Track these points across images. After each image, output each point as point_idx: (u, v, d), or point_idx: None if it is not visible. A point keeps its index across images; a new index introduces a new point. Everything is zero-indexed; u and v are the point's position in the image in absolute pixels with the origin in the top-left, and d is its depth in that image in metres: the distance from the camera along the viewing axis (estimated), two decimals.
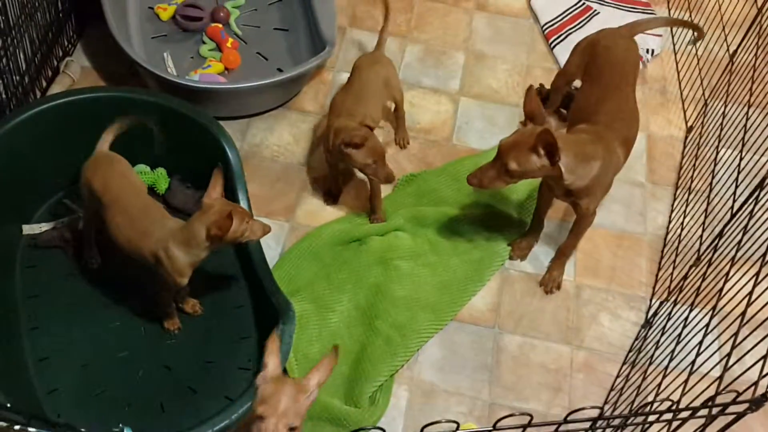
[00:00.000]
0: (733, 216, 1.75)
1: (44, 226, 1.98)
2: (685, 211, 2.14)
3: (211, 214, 1.63)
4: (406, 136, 2.34)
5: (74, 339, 1.83)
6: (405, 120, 2.31)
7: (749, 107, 2.02)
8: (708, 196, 2.03)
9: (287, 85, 2.30)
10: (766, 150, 1.91)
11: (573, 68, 2.19)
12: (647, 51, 2.60)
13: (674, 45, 2.66)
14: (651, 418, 1.42)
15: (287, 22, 2.52)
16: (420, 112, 2.41)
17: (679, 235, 2.09)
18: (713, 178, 2.07)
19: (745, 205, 1.71)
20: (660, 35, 2.65)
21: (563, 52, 2.55)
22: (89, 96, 1.96)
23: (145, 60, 2.12)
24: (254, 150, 2.26)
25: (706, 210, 1.99)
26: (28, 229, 1.97)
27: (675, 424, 1.27)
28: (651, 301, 2.07)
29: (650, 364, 1.79)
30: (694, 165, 2.25)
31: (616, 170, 1.94)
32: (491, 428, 1.06)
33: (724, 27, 2.41)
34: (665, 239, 2.19)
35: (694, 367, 1.51)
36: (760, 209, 1.65)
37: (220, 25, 2.43)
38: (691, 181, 2.22)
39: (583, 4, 2.68)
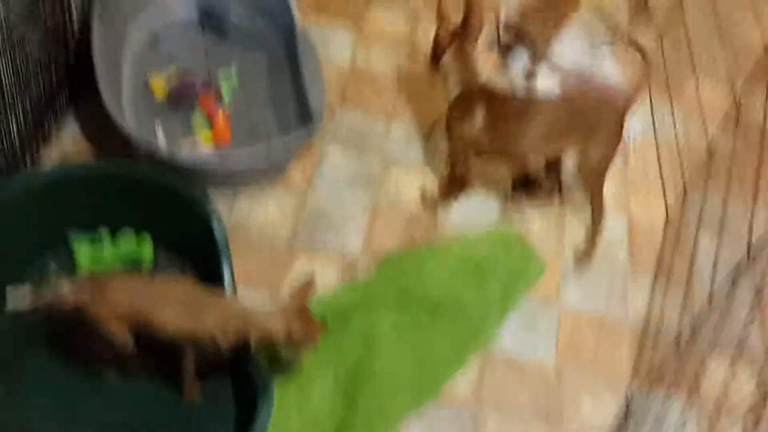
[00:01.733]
0: (710, 306, 1.78)
1: (26, 293, 1.96)
2: (664, 298, 2.17)
3: (301, 320, 1.73)
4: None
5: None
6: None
7: (727, 197, 2.07)
8: (687, 286, 2.06)
9: (275, 158, 2.34)
10: (743, 240, 1.95)
11: None
12: (627, 137, 2.66)
13: (655, 131, 2.73)
14: None
15: (277, 95, 2.57)
16: (406, 189, 2.44)
17: (659, 322, 2.12)
18: (692, 266, 2.10)
19: (723, 296, 1.74)
20: (640, 122, 2.72)
21: None
22: (77, 169, 1.98)
23: (135, 132, 2.15)
24: (241, 223, 2.28)
25: (685, 298, 2.02)
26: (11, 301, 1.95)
27: None
28: (630, 388, 2.08)
29: None
30: (674, 252, 2.29)
31: None
32: None
33: (703, 118, 2.49)
34: (645, 326, 2.21)
35: None
36: (736, 303, 1.68)
37: (212, 98, 2.46)
38: (672, 268, 2.25)
39: None
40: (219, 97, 2.50)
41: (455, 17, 2.30)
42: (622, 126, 2.23)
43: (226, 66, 2.59)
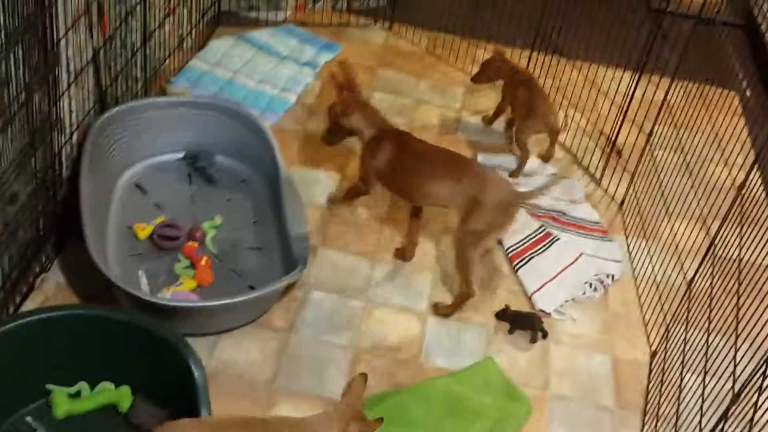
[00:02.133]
0: None
1: None
2: None
3: (356, 420, 1.79)
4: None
5: None
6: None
7: (709, 333, 2.08)
8: (675, 424, 2.02)
9: (258, 303, 2.34)
10: (728, 377, 1.93)
11: None
12: (607, 276, 2.70)
13: (633, 270, 2.77)
14: None
15: (262, 241, 2.61)
16: (388, 330, 2.44)
17: None
18: (679, 405, 2.08)
19: None
20: (619, 261, 2.77)
21: (526, 276, 2.65)
22: (60, 314, 1.98)
23: (119, 278, 2.17)
24: (221, 367, 2.25)
25: None
26: None
27: None
28: None
29: None
30: (660, 390, 2.26)
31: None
32: None
33: (680, 255, 2.54)
34: None
35: None
36: None
37: (196, 244, 2.50)
38: (659, 407, 2.22)
39: (544, 230, 2.82)
40: (203, 244, 2.53)
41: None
42: (509, 215, 2.45)
43: (211, 213, 2.65)
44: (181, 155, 2.82)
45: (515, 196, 2.47)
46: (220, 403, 2.12)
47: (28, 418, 1.99)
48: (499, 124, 3.33)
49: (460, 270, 2.49)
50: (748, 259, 1.99)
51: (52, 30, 2.10)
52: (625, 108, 3.01)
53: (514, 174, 3.05)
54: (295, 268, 2.36)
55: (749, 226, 2.07)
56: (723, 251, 2.18)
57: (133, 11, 2.67)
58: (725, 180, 2.35)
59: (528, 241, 2.77)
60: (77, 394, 2.04)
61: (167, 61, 3.13)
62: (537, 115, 3.01)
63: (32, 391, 2.00)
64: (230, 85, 3.26)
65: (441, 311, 2.52)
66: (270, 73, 3.38)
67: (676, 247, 2.58)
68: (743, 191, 2.13)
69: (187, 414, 1.89)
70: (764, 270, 1.85)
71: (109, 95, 2.64)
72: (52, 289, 2.35)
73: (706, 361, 2.03)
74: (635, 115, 3.03)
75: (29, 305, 2.27)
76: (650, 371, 2.44)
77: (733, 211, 2.16)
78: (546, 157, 3.17)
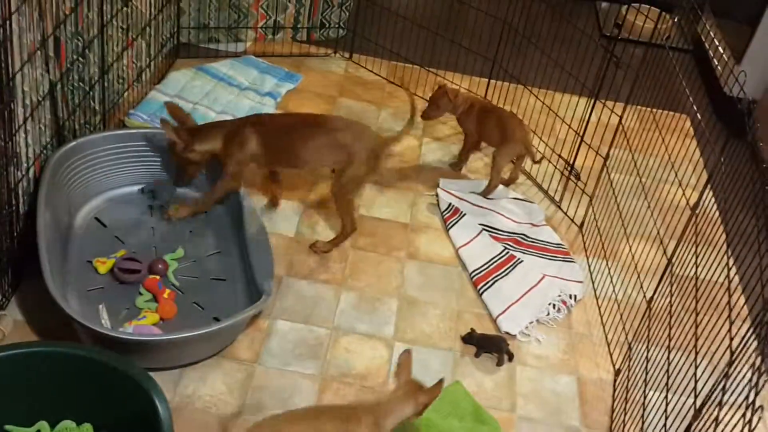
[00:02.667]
0: None
1: None
2: None
3: (420, 389, 2.00)
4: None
5: None
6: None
7: (670, 351, 2.11)
8: None
9: (222, 335, 2.32)
10: (690, 393, 1.96)
11: None
12: (570, 296, 2.74)
13: (595, 290, 2.81)
14: None
15: (225, 272, 2.60)
16: (355, 358, 2.43)
17: None
18: (644, 422, 2.10)
19: None
20: (581, 281, 2.81)
21: (491, 299, 2.67)
22: (19, 352, 1.93)
23: (79, 313, 2.13)
24: (186, 401, 2.22)
25: None
26: None
27: None
28: None
29: None
30: (625, 408, 2.29)
31: None
32: None
33: (639, 275, 2.59)
34: None
35: None
36: None
37: (158, 277, 2.48)
38: (624, 425, 2.24)
39: (507, 253, 2.85)
40: (165, 277, 2.51)
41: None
42: (379, 159, 2.70)
43: (173, 245, 2.63)
44: (140, 189, 2.81)
45: (382, 142, 2.74)
46: None
47: None
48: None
49: (343, 214, 2.74)
50: (705, 277, 2.04)
51: (7, 64, 2.08)
52: (582, 132, 3.07)
53: (483, 194, 3.09)
54: (260, 298, 2.35)
55: (704, 245, 2.12)
56: (680, 270, 2.23)
57: (90, 44, 2.66)
58: (680, 200, 2.40)
59: (492, 264, 2.80)
60: None
61: (126, 93, 3.11)
62: (516, 139, 3.02)
63: None
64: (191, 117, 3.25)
65: (321, 248, 2.75)
66: (231, 104, 3.39)
67: (636, 267, 2.63)
68: (697, 211, 2.19)
69: None
70: (720, 287, 1.90)
71: (66, 129, 2.62)
72: (9, 327, 2.31)
73: (668, 378, 2.06)
74: (592, 139, 3.09)
75: None
76: (614, 390, 2.47)
77: (688, 230, 2.21)
78: (510, 180, 3.21)
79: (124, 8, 2.89)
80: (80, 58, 2.61)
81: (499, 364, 2.47)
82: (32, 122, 2.36)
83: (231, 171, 2.65)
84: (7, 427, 1.97)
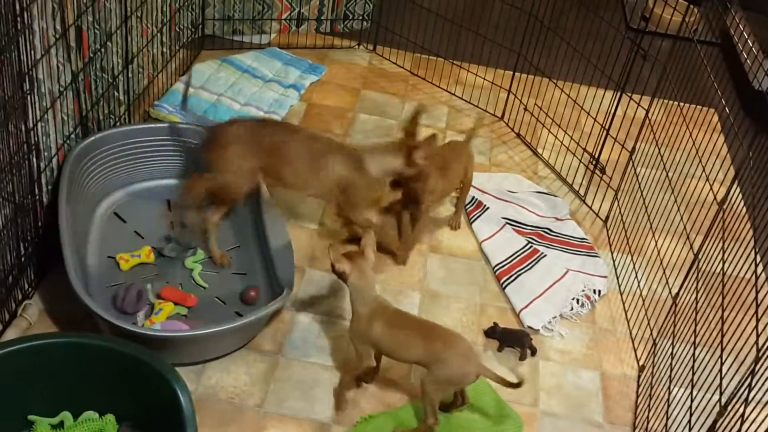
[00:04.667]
0: None
1: None
2: None
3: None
4: (459, 220, 2.92)
5: None
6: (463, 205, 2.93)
7: (695, 347, 2.09)
8: None
9: (246, 330, 2.33)
10: (715, 390, 1.94)
11: None
12: (594, 291, 2.71)
13: (620, 285, 2.78)
14: None
15: (245, 266, 2.60)
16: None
17: None
18: (668, 419, 2.08)
19: None
20: (605, 276, 2.78)
21: (514, 293, 2.65)
22: (43, 342, 1.95)
23: (101, 308, 2.14)
24: (209, 392, 2.23)
25: None
26: None
27: None
28: None
29: None
30: (649, 405, 2.26)
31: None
32: None
33: (664, 270, 2.56)
34: None
35: None
36: None
37: (175, 289, 2.46)
38: (648, 422, 2.22)
39: (531, 247, 2.83)
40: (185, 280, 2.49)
41: None
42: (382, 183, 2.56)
43: (191, 241, 2.61)
44: (160, 184, 2.80)
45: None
46: (207, 428, 2.11)
47: None
48: None
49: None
50: (731, 273, 2.01)
51: (26, 53, 2.09)
52: (607, 126, 3.03)
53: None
54: (281, 292, 2.35)
55: (731, 240, 2.08)
56: (706, 265, 2.20)
57: (113, 35, 2.67)
58: (707, 195, 2.37)
59: (515, 258, 2.78)
60: (60, 425, 2.00)
61: (151, 84, 3.13)
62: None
63: (14, 422, 1.97)
64: (215, 108, 3.27)
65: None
66: (255, 96, 3.39)
67: (661, 262, 2.60)
68: (724, 206, 2.15)
69: None
70: (747, 284, 1.87)
71: (90, 119, 2.64)
72: (35, 316, 2.33)
73: (693, 375, 2.03)
74: (617, 132, 3.06)
75: (11, 333, 2.24)
76: (638, 386, 2.45)
77: (715, 226, 2.17)
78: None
79: None
80: (102, 49, 2.62)
81: (522, 358, 2.46)
82: (54, 112, 2.37)
83: (226, 192, 2.51)
84: (31, 417, 1.99)
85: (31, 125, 2.22)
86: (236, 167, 2.47)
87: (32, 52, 2.13)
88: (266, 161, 2.48)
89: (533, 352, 2.48)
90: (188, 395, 1.91)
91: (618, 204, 2.99)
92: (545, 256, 2.79)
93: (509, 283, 2.69)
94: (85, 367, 1.96)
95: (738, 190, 2.31)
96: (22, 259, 2.32)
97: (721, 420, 1.72)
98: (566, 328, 2.61)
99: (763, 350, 1.61)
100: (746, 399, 1.60)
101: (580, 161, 3.26)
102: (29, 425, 1.99)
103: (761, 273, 1.86)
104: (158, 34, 3.09)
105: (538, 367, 2.46)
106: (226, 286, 2.53)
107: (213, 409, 2.19)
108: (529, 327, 2.57)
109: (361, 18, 3.97)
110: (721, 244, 2.09)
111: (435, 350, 2.10)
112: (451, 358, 2.09)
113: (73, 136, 2.53)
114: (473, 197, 3.01)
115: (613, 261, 2.88)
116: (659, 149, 2.75)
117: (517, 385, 2.09)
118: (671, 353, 2.23)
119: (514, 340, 2.47)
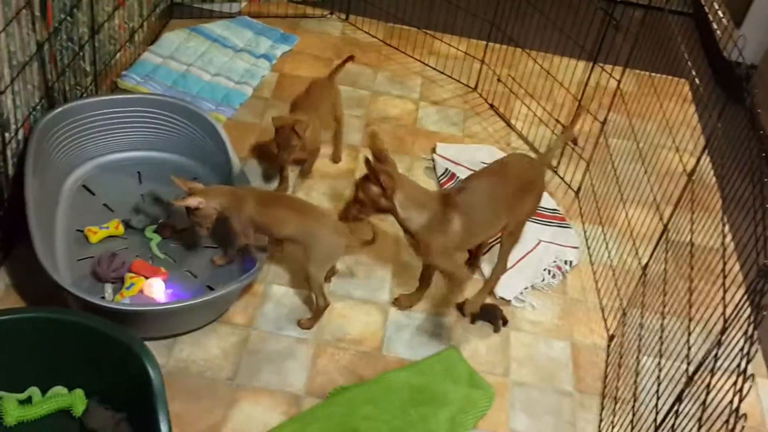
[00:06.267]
0: (657, 429, 1.77)
1: None
2: (613, 421, 2.16)
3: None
4: (339, 154, 2.99)
5: None
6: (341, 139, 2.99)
7: (664, 317, 2.11)
8: (633, 406, 2.05)
9: (217, 303, 2.31)
10: (683, 359, 1.97)
11: None
12: (565, 262, 2.73)
13: (590, 256, 2.80)
14: None
15: (218, 239, 2.58)
16: (349, 323, 2.43)
17: None
18: (636, 387, 2.11)
19: (667, 419, 1.73)
20: (576, 247, 2.80)
21: (486, 264, 2.66)
22: (9, 317, 1.93)
23: (68, 282, 2.11)
24: (180, 366, 2.22)
25: (632, 421, 2.00)
26: None
27: None
28: None
29: None
30: (618, 374, 2.29)
31: (452, 241, 2.21)
32: None
33: (634, 241, 2.58)
34: None
35: None
36: (681, 421, 1.67)
37: (144, 263, 2.43)
38: (617, 390, 2.25)
39: None
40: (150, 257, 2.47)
41: None
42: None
43: (161, 214, 2.58)
44: (131, 157, 2.76)
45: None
46: (179, 402, 2.10)
47: None
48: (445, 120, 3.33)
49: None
50: (700, 244, 2.03)
51: None
52: (580, 97, 3.03)
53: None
54: (254, 265, 2.33)
55: (700, 211, 2.10)
56: (676, 236, 2.22)
57: (79, 3, 2.61)
58: (677, 166, 2.38)
59: None
60: (28, 400, 1.99)
61: (118, 54, 3.07)
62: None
63: None
64: (185, 79, 3.21)
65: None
66: (225, 66, 3.34)
67: (631, 233, 2.62)
68: (694, 177, 2.17)
69: (143, 417, 1.86)
70: (715, 254, 1.89)
71: (56, 90, 2.58)
72: (1, 291, 2.30)
73: (662, 344, 2.06)
74: (590, 103, 3.06)
75: None
76: (608, 355, 2.48)
77: (684, 196, 2.19)
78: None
79: None
80: (68, 18, 2.56)
81: (496, 331, 2.47)
82: (20, 83, 2.32)
83: (446, 268, 2.29)
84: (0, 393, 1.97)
85: None
86: None
87: None
88: None
89: (504, 323, 2.50)
90: (158, 369, 1.90)
91: (590, 175, 3.00)
92: None
93: (482, 255, 2.70)
94: (53, 342, 1.95)
95: (708, 160, 2.33)
96: None
97: (687, 389, 1.75)
98: (538, 299, 2.63)
99: (729, 320, 1.63)
100: (712, 369, 1.62)
101: (553, 132, 3.26)
102: None
103: (729, 243, 1.88)
104: (125, 3, 3.02)
105: (509, 338, 2.48)
106: (197, 259, 2.50)
107: (184, 383, 2.18)
108: (501, 298, 2.58)
109: None
110: (690, 215, 2.10)
111: (307, 225, 2.29)
112: (322, 232, 2.29)
113: (38, 107, 2.48)
114: (446, 168, 3.01)
115: (584, 232, 2.89)
116: (630, 120, 2.76)
117: (371, 242, 2.35)
118: (640, 323, 2.25)
119: (487, 314, 2.49)
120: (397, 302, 2.52)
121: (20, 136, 2.39)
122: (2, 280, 2.33)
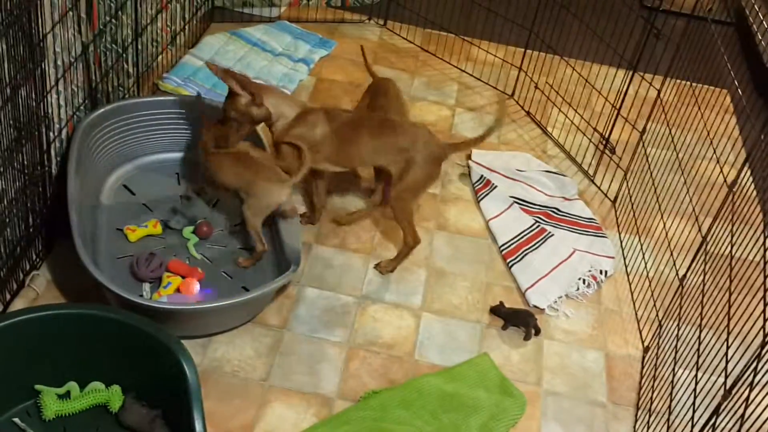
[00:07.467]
0: None
1: None
2: None
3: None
4: None
5: None
6: None
7: (701, 329, 2.08)
8: (668, 419, 2.02)
9: (252, 304, 2.33)
10: (720, 372, 1.94)
11: None
12: (600, 272, 2.71)
13: (626, 266, 2.77)
14: None
15: (252, 241, 2.60)
16: (382, 327, 2.44)
17: None
18: (672, 400, 2.08)
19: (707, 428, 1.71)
20: (612, 257, 2.77)
21: (520, 272, 2.65)
22: (50, 313, 1.96)
23: (108, 279, 2.15)
24: (214, 365, 2.24)
25: None
26: None
27: None
28: None
29: None
30: (653, 386, 2.27)
31: (312, 135, 2.40)
32: None
33: (672, 251, 2.55)
34: None
35: None
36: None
37: (181, 262, 2.46)
38: (651, 402, 2.23)
39: (538, 226, 2.82)
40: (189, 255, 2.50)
41: None
42: (439, 167, 2.50)
43: (198, 215, 2.61)
44: (169, 157, 2.80)
45: (444, 149, 2.50)
46: (212, 401, 2.13)
47: (16, 419, 1.97)
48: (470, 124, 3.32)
49: (403, 222, 2.52)
50: (740, 256, 2.00)
51: (38, 24, 2.08)
52: (618, 105, 3.01)
53: None
54: (288, 267, 2.35)
55: (740, 223, 2.07)
56: (715, 248, 2.19)
57: (123, 6, 2.65)
58: (717, 177, 2.35)
59: (522, 237, 2.77)
60: (67, 395, 2.03)
61: (160, 57, 3.12)
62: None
63: (20, 391, 1.99)
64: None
65: (385, 266, 2.55)
66: (264, 70, 3.38)
67: (669, 244, 2.59)
68: (734, 188, 2.14)
69: (178, 414, 1.88)
70: (755, 267, 1.86)
71: (99, 91, 2.63)
72: (42, 287, 2.34)
73: (698, 357, 2.03)
74: (628, 112, 3.03)
75: (19, 303, 2.26)
76: (642, 367, 2.45)
77: (724, 208, 2.16)
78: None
79: None
80: (113, 20, 2.61)
81: (527, 338, 2.46)
82: (64, 84, 2.37)
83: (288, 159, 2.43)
84: (37, 386, 2.01)
85: (43, 96, 2.21)
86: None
87: (43, 22, 2.12)
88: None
89: (537, 332, 2.48)
90: (194, 367, 1.93)
91: (627, 184, 2.98)
92: (552, 235, 2.78)
93: (516, 263, 2.69)
94: (91, 338, 1.98)
95: (749, 172, 2.29)
96: (31, 230, 2.33)
97: (725, 403, 1.72)
98: (572, 308, 2.61)
99: None
100: (751, 383, 1.60)
101: (590, 141, 3.24)
102: (36, 395, 2.01)
103: None
104: (168, 6, 3.07)
105: (542, 347, 2.47)
106: (232, 261, 2.53)
107: (218, 382, 2.20)
108: (535, 306, 2.57)
109: None
110: (730, 227, 2.08)
111: (246, 178, 2.37)
112: (261, 184, 2.37)
113: (82, 107, 2.53)
114: (481, 176, 3.00)
115: (621, 241, 2.87)
116: (670, 130, 2.73)
117: (381, 204, 2.53)
118: (677, 335, 2.22)
119: (519, 319, 2.48)
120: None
121: (64, 135, 2.44)
122: (44, 276, 2.38)
